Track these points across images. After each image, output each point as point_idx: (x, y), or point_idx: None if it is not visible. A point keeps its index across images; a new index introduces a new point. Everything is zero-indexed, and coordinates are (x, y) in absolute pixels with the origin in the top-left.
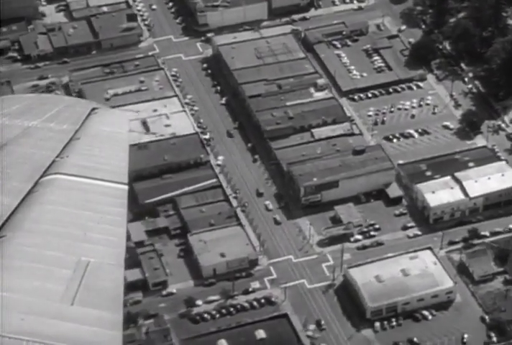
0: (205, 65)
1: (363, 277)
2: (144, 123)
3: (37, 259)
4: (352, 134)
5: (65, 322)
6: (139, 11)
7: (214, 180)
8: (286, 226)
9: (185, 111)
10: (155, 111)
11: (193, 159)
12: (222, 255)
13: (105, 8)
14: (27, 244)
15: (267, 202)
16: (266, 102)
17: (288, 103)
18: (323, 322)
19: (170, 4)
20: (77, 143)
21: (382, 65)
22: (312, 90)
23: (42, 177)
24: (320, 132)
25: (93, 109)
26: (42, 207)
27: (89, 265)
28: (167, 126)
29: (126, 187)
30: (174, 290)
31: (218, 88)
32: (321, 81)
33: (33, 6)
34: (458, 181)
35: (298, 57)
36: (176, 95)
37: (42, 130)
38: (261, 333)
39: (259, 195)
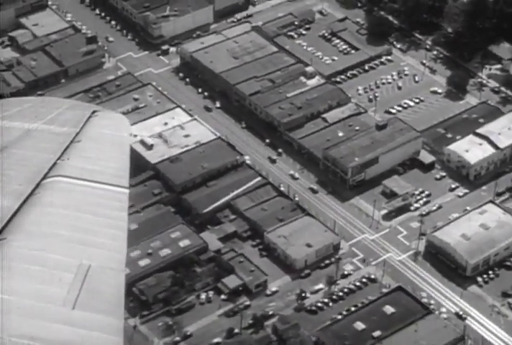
0: (181, 75)
1: (450, 238)
2: (162, 137)
3: (37, 262)
4: (360, 113)
5: (66, 326)
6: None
7: (259, 179)
8: (344, 209)
9: (195, 118)
10: (166, 124)
11: (230, 163)
12: (309, 245)
13: (54, 36)
14: (28, 247)
15: (315, 187)
16: (267, 97)
17: (289, 95)
18: (429, 287)
19: (113, 23)
20: (78, 146)
21: (346, 46)
22: (303, 79)
23: (42, 179)
24: (332, 116)
25: (94, 112)
26: (43, 209)
27: (90, 269)
28: (186, 136)
29: (127, 190)
30: (274, 288)
31: (206, 93)
32: (309, 69)
33: None
34: (483, 137)
35: (272, 51)
36: (178, 106)
37: (43, 132)
38: (389, 309)
39: (314, 192)
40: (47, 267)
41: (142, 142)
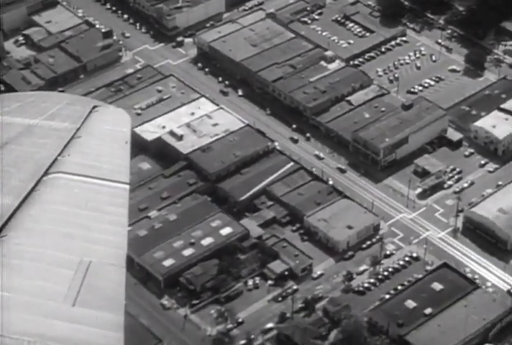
0: (199, 65)
1: (488, 213)
2: (191, 128)
3: (38, 258)
4: (383, 94)
5: (67, 323)
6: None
7: (292, 164)
8: (379, 190)
9: (222, 107)
10: (193, 114)
11: (261, 150)
12: (350, 227)
13: (69, 32)
14: (28, 244)
15: (343, 167)
16: (290, 83)
17: (312, 79)
18: (471, 263)
19: (125, 16)
20: (78, 141)
21: (361, 29)
22: (324, 63)
23: (43, 176)
24: (356, 98)
25: (95, 107)
26: (43, 206)
27: (90, 265)
28: (214, 125)
29: (127, 186)
30: (320, 271)
31: (227, 82)
32: (329, 53)
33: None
34: (507, 112)
35: (289, 37)
36: (203, 96)
37: (43, 128)
38: (437, 285)
39: (342, 171)
40: (47, 264)
41: (172, 133)
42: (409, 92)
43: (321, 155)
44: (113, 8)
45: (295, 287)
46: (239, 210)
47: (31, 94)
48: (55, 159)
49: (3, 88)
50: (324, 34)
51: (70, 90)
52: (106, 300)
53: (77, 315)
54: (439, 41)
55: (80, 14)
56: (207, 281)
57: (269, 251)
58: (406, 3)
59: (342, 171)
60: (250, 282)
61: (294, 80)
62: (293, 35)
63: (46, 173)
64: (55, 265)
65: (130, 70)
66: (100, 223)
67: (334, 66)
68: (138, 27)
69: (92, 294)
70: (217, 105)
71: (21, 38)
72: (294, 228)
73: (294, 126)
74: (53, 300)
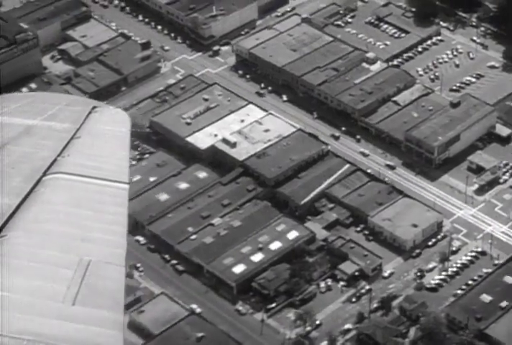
0: (240, 72)
1: None
2: (243, 134)
3: (37, 258)
4: (428, 93)
5: (66, 322)
6: (135, 40)
7: (348, 165)
8: (436, 187)
9: (271, 113)
10: (243, 121)
11: (316, 153)
12: (414, 225)
13: (106, 46)
14: (28, 244)
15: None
16: (335, 86)
17: (356, 81)
18: None
19: (159, 27)
20: (77, 142)
21: (395, 30)
22: (365, 64)
23: (42, 176)
24: (402, 98)
25: (94, 108)
26: (43, 206)
27: (90, 265)
28: (266, 131)
29: (127, 186)
30: (390, 270)
31: (269, 88)
32: (370, 55)
33: (37, 61)
34: None
35: (328, 40)
36: (250, 102)
37: (43, 129)
38: (510, 278)
39: (392, 168)
40: (47, 264)
41: (225, 141)
42: (452, 90)
43: (374, 156)
44: (146, 19)
45: (367, 287)
46: (301, 214)
47: (30, 95)
48: (55, 159)
49: None
50: (360, 36)
51: (114, 103)
52: (106, 299)
53: (76, 314)
54: (474, 38)
55: (114, 27)
56: (280, 285)
57: (338, 252)
58: (437, 2)
59: (392, 168)
60: (322, 285)
61: (338, 82)
62: (331, 39)
63: (45, 173)
64: (55, 265)
65: (171, 81)
66: (100, 222)
67: (376, 67)
68: (173, 38)
69: (92, 293)
70: (266, 111)
71: (56, 53)
72: (358, 229)
73: (343, 128)
74: (53, 300)
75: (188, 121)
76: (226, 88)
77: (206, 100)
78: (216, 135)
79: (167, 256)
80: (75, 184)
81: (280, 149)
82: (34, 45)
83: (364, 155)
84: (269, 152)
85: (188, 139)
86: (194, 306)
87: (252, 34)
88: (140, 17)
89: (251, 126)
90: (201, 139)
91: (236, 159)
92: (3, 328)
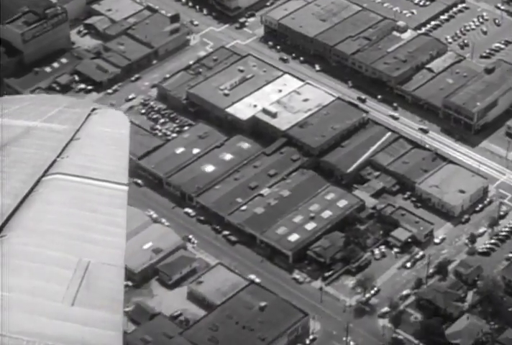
0: (270, 43)
1: None
2: (282, 104)
3: (37, 259)
4: (460, 60)
5: (66, 322)
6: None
7: (390, 133)
8: (477, 153)
9: (308, 82)
10: (280, 91)
11: (357, 121)
12: (462, 191)
13: (133, 19)
14: (27, 244)
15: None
16: (369, 54)
17: (389, 50)
18: None
19: (183, 0)
20: (77, 143)
21: None
22: (397, 33)
23: (42, 177)
24: (436, 65)
25: (94, 109)
26: (43, 207)
27: (89, 265)
28: (305, 100)
29: (126, 187)
30: (441, 236)
31: (301, 58)
32: (401, 23)
33: (65, 36)
34: None
35: (356, 10)
36: (286, 72)
37: (43, 130)
38: None
39: (425, 131)
40: (46, 264)
41: (265, 111)
42: (482, 57)
43: (411, 123)
44: None
45: (421, 253)
46: (348, 183)
47: (30, 97)
48: (54, 160)
49: (77, 78)
50: (385, 5)
51: (147, 76)
52: (105, 300)
53: (76, 314)
54: (498, 5)
55: (138, 0)
56: (336, 253)
57: (389, 219)
58: None
59: (425, 131)
60: (376, 251)
61: (372, 51)
62: (359, 8)
63: (45, 174)
64: (54, 265)
65: (201, 53)
66: (98, 223)
67: (407, 35)
68: (198, 10)
69: (91, 294)
70: (302, 80)
71: (82, 28)
72: (405, 196)
73: (379, 97)
74: (52, 300)
75: (226, 92)
76: (260, 59)
77: (242, 71)
78: (255, 106)
79: (218, 227)
80: (74, 185)
81: (321, 119)
82: (64, 20)
83: (408, 125)
84: (310, 122)
85: (228, 110)
86: (251, 276)
87: (280, 5)
88: None
89: (289, 96)
90: (241, 110)
91: (279, 129)
92: (3, 328)
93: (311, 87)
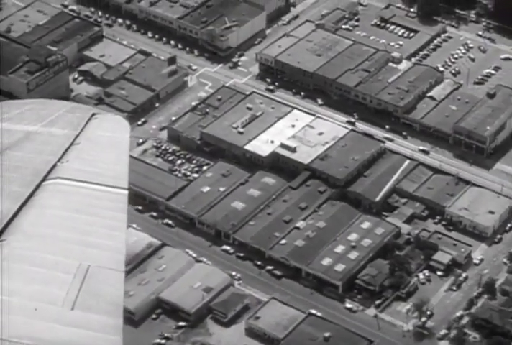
0: (268, 80)
1: None
2: (298, 139)
3: (37, 263)
4: (458, 87)
5: (66, 326)
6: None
7: (408, 161)
8: (493, 175)
9: (319, 116)
10: (293, 126)
11: (376, 151)
12: (491, 212)
13: (128, 63)
14: (27, 248)
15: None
16: (371, 86)
17: (390, 80)
18: None
19: (172, 42)
20: (77, 148)
21: (404, 30)
22: (392, 64)
23: (42, 181)
24: (437, 93)
25: (93, 114)
26: (42, 211)
27: (89, 270)
28: (320, 134)
29: (126, 192)
30: (479, 257)
31: (302, 93)
32: (395, 54)
33: (66, 84)
34: None
35: (348, 43)
36: (295, 108)
37: (43, 135)
38: None
39: (426, 153)
40: (46, 268)
41: (284, 146)
42: (476, 83)
43: (426, 149)
44: (156, 36)
45: (464, 274)
46: (378, 211)
47: (30, 101)
48: (54, 165)
49: None
50: (372, 38)
51: (152, 119)
52: (105, 304)
53: (76, 318)
54: (480, 33)
55: (129, 45)
56: (384, 280)
57: (428, 244)
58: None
59: (426, 152)
60: (421, 276)
61: (373, 83)
62: (350, 42)
63: (45, 179)
64: (54, 269)
65: (202, 93)
66: (99, 227)
67: (403, 66)
68: (188, 52)
69: (91, 298)
70: (313, 115)
71: (77, 75)
72: (435, 220)
73: (387, 127)
74: (52, 304)
75: (240, 130)
76: (266, 96)
77: (250, 109)
78: (272, 142)
79: (260, 262)
80: (74, 189)
81: (340, 150)
82: (64, 67)
83: (421, 151)
84: (330, 154)
85: (246, 147)
86: (303, 308)
87: (272, 43)
88: (149, 34)
89: (304, 131)
90: (259, 147)
91: (301, 162)
92: (3, 332)
93: (322, 120)
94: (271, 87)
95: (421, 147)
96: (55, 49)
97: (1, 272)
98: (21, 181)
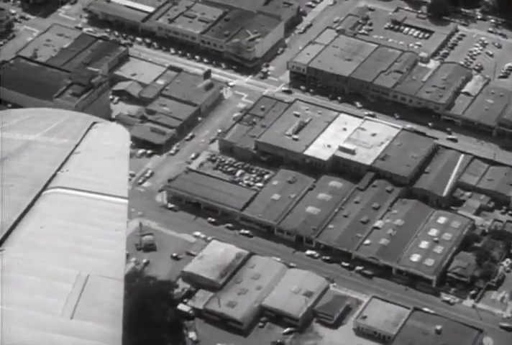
0: (302, 87)
1: None
2: (353, 141)
3: (36, 272)
4: (488, 82)
5: (65, 336)
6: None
7: (463, 155)
8: None
9: (367, 118)
10: (345, 129)
11: (431, 148)
12: None
13: (162, 80)
14: (27, 258)
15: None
16: (408, 85)
17: (424, 79)
18: None
19: (197, 57)
20: (77, 157)
21: (418, 32)
22: (421, 64)
23: (42, 190)
24: (471, 89)
25: (94, 123)
26: (42, 221)
27: (89, 279)
28: (373, 135)
29: (126, 201)
30: None
31: (339, 98)
32: (423, 54)
33: (107, 104)
34: None
35: (374, 46)
36: (341, 112)
37: (43, 144)
38: None
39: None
40: (46, 278)
41: (343, 149)
42: (500, 77)
43: (471, 144)
44: (179, 52)
45: None
46: (447, 205)
47: (30, 110)
48: (54, 174)
49: (132, 143)
50: (390, 40)
51: (199, 133)
52: (104, 313)
53: (75, 327)
54: (490, 30)
55: (157, 62)
56: (474, 271)
57: (505, 233)
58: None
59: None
60: (505, 264)
61: (408, 83)
62: (375, 45)
63: (45, 188)
64: (54, 279)
65: (241, 105)
66: (98, 237)
67: (432, 65)
68: (215, 65)
69: (90, 307)
70: (360, 117)
71: (111, 94)
72: (502, 210)
73: (430, 124)
74: (52, 313)
75: (295, 136)
76: (308, 102)
77: (297, 115)
78: (329, 146)
79: (347, 264)
80: (74, 199)
81: (397, 150)
82: (106, 88)
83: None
84: (388, 154)
85: (306, 153)
86: (403, 304)
87: (301, 51)
88: (172, 50)
89: (357, 133)
90: (318, 151)
91: (364, 164)
92: (3, 341)
93: (371, 122)
94: (288, 88)
95: (466, 142)
96: (97, 70)
97: (0, 282)
98: (21, 190)
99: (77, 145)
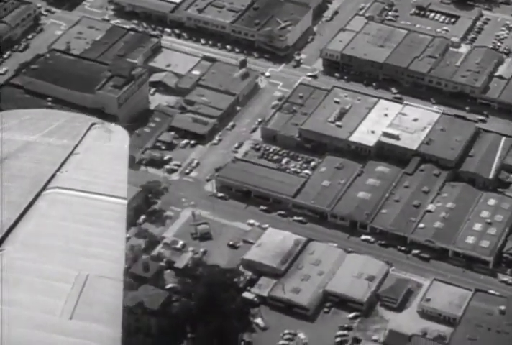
0: (336, 75)
1: None
2: (396, 127)
3: (36, 272)
4: None
5: (64, 336)
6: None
7: (505, 138)
8: None
9: (407, 103)
10: (386, 115)
11: (473, 131)
12: None
13: (197, 70)
14: (26, 258)
15: None
16: (443, 70)
17: (457, 64)
18: None
19: (228, 47)
20: (76, 158)
21: (444, 17)
22: (453, 49)
23: (41, 191)
24: (504, 72)
25: (93, 124)
26: (41, 221)
27: (88, 279)
28: (414, 120)
29: (125, 201)
30: None
31: (374, 84)
32: (454, 39)
33: (146, 96)
34: None
35: (404, 32)
36: (381, 97)
37: (42, 145)
38: None
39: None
40: (45, 278)
41: (388, 135)
42: None
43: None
44: (210, 42)
45: None
46: (494, 187)
47: (29, 111)
48: (53, 174)
49: (175, 134)
50: (418, 26)
51: (239, 122)
52: (104, 313)
53: (74, 328)
54: None
55: (189, 52)
56: None
57: None
58: None
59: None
60: None
61: (443, 67)
62: (405, 31)
63: (44, 188)
64: (53, 279)
65: (277, 93)
66: (97, 237)
67: (464, 49)
68: (247, 54)
69: (89, 307)
70: (400, 103)
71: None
72: None
73: (467, 108)
74: (51, 314)
75: (338, 123)
76: (346, 89)
77: (337, 102)
78: (373, 132)
79: (403, 248)
80: (73, 199)
81: (440, 134)
82: (146, 79)
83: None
84: (432, 138)
85: (351, 139)
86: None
87: (333, 38)
88: (202, 40)
89: (399, 119)
90: (363, 138)
91: (410, 149)
92: (2, 342)
93: (411, 107)
94: (314, 73)
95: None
96: (135, 61)
97: (0, 282)
98: (20, 191)
99: (76, 146)
